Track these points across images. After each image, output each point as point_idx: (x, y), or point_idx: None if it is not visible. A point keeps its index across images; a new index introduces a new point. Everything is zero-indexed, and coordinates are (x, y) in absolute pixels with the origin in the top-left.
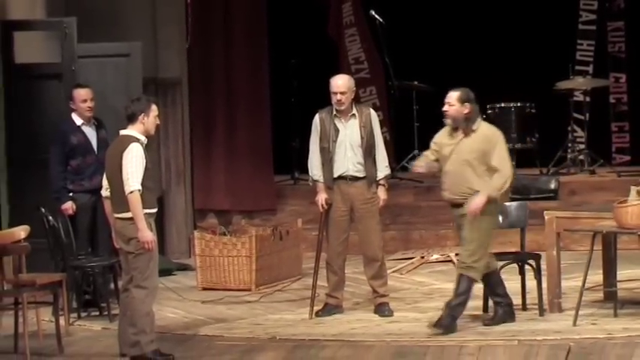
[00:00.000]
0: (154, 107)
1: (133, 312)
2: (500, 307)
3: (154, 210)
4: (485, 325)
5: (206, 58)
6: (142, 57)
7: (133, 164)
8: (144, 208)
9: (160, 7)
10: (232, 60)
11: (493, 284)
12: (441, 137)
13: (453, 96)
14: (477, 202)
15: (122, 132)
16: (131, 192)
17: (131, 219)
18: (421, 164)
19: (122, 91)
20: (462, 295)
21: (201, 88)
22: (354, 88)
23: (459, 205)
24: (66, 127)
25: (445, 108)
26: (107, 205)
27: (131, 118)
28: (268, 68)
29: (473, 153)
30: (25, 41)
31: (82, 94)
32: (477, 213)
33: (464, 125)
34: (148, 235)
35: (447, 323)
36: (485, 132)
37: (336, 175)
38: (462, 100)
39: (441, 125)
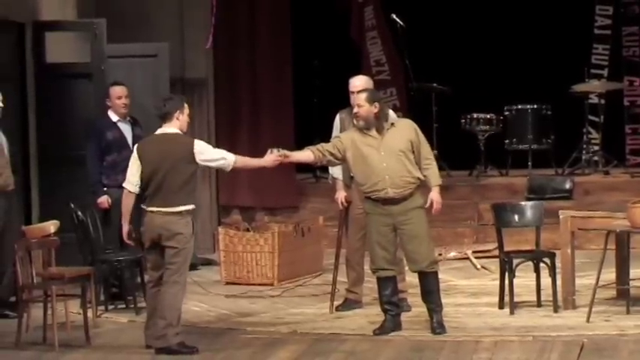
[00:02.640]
0: (186, 105)
1: (164, 306)
2: (390, 316)
3: (195, 206)
4: (375, 334)
5: (231, 58)
6: (169, 57)
7: (213, 150)
8: (188, 203)
9: (187, 8)
10: (257, 61)
11: (394, 290)
12: (350, 136)
13: (361, 97)
14: (438, 200)
15: (162, 131)
16: (235, 162)
17: (180, 213)
18: (286, 153)
19: (149, 90)
20: (439, 289)
21: (226, 87)
22: (373, 89)
23: (401, 200)
24: (102, 124)
25: (355, 110)
26: (130, 200)
27: (166, 117)
28: (291, 69)
29: (405, 143)
30: (56, 41)
31: (117, 91)
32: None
33: (376, 124)
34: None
35: (444, 322)
36: (406, 123)
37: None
38: (371, 101)
39: (459, 126)
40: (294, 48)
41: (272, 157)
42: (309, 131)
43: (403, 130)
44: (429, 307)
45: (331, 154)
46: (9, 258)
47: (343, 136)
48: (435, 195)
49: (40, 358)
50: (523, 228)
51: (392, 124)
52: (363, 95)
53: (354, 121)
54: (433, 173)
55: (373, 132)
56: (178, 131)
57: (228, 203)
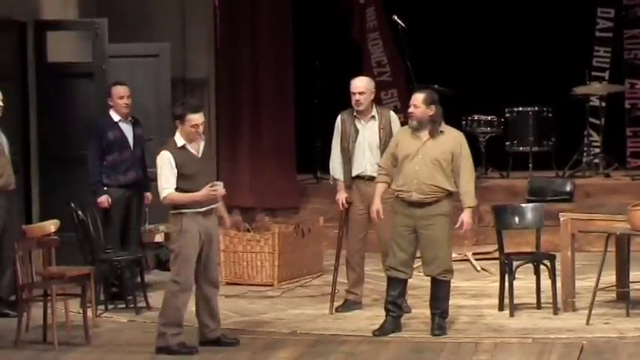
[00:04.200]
0: (189, 117)
1: (164, 304)
2: (391, 317)
3: (199, 209)
4: (375, 335)
5: (233, 59)
6: (171, 57)
7: (160, 174)
8: (188, 207)
9: (189, 8)
10: (258, 61)
11: (401, 292)
12: (397, 138)
13: (418, 98)
14: (468, 222)
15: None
16: (163, 199)
17: (171, 215)
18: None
19: (151, 90)
20: (447, 297)
21: (227, 88)
22: (374, 90)
23: (425, 205)
24: (103, 123)
25: (410, 110)
26: None
27: (173, 120)
28: (293, 70)
29: (444, 154)
30: (57, 41)
31: (119, 91)
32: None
33: (429, 126)
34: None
35: (444, 325)
36: (454, 134)
37: (354, 174)
38: (428, 102)
39: (460, 128)
40: (295, 49)
41: (205, 190)
42: (310, 132)
43: (448, 140)
44: (433, 312)
45: (394, 166)
46: (9, 257)
47: (392, 143)
48: (466, 216)
49: (39, 357)
50: (523, 230)
51: (441, 131)
52: (421, 97)
53: (408, 122)
54: (469, 192)
55: (423, 134)
56: (176, 137)
57: (228, 203)
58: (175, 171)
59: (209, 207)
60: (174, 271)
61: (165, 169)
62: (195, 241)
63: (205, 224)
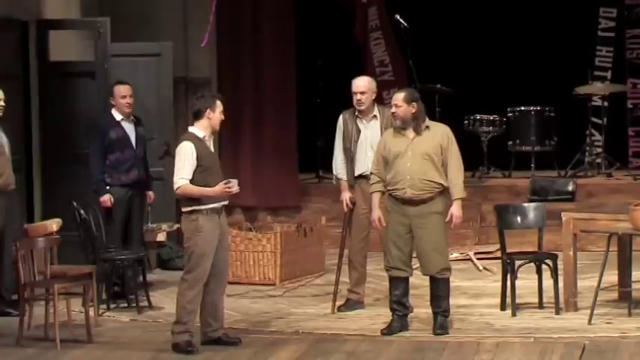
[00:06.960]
0: (218, 103)
1: (176, 302)
2: (397, 316)
3: (216, 205)
4: (383, 334)
5: (235, 58)
6: (173, 57)
7: (179, 162)
8: (188, 205)
9: (191, 8)
10: (260, 61)
11: (405, 291)
12: (384, 140)
13: (399, 97)
14: (458, 214)
15: (189, 129)
16: (177, 189)
17: (183, 213)
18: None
19: (153, 90)
20: (447, 296)
21: (229, 87)
22: (375, 89)
23: (419, 203)
24: (106, 122)
25: (393, 110)
26: None
27: (197, 115)
28: (295, 69)
29: (434, 148)
30: (59, 40)
31: (122, 90)
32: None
33: (414, 124)
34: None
35: (446, 324)
36: (441, 128)
37: (356, 174)
38: (409, 100)
39: (462, 127)
40: (297, 48)
41: (219, 187)
42: (313, 131)
43: (436, 135)
44: (434, 311)
45: (385, 169)
46: (10, 256)
47: (379, 145)
48: (455, 209)
49: (41, 355)
50: (525, 229)
51: (427, 126)
52: (401, 95)
53: (392, 121)
54: (457, 185)
55: (409, 132)
56: (193, 130)
57: (230, 203)
58: (195, 163)
59: (222, 204)
60: (185, 268)
61: (185, 160)
62: (211, 240)
63: (219, 222)
